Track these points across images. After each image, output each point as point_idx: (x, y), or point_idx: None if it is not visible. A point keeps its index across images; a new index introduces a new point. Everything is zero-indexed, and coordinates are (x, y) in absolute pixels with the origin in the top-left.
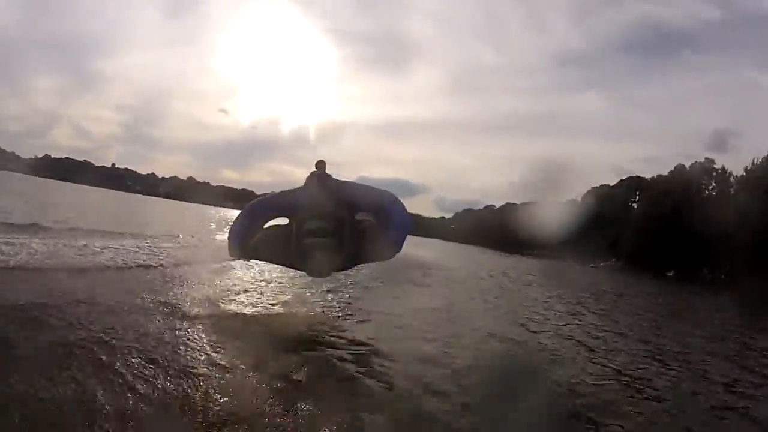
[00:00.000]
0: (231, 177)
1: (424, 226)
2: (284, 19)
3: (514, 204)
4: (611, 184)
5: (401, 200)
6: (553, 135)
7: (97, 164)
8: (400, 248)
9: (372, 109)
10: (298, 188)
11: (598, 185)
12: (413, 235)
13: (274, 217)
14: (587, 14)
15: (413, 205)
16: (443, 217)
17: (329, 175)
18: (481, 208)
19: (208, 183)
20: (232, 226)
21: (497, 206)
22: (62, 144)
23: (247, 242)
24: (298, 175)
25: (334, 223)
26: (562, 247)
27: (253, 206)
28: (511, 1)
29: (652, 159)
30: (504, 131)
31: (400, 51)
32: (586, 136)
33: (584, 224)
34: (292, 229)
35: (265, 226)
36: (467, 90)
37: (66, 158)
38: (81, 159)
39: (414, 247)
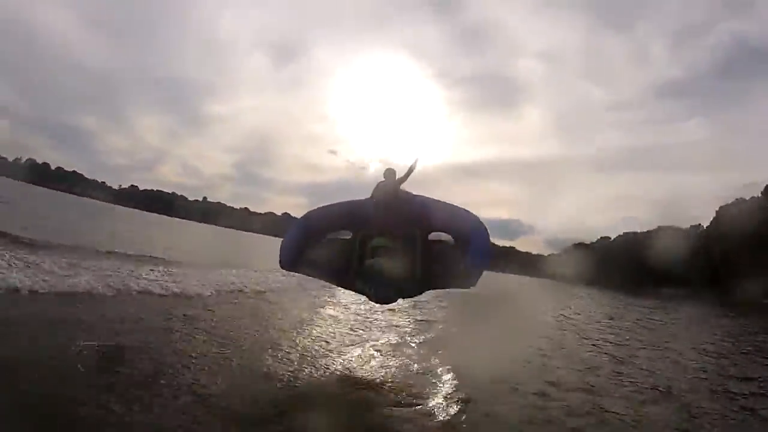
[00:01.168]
0: None
1: (526, 264)
2: (392, 65)
3: (635, 233)
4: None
5: (485, 225)
6: (659, 168)
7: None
8: (479, 277)
9: (482, 150)
10: (366, 199)
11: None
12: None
13: (336, 230)
14: (684, 40)
15: (524, 245)
16: (552, 254)
17: (400, 188)
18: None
19: None
20: (286, 235)
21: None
22: (170, 180)
23: (302, 254)
24: None
25: (404, 241)
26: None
27: (313, 215)
28: (613, 37)
29: (753, 185)
30: (612, 167)
31: (508, 92)
32: (689, 167)
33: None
34: (354, 244)
35: (324, 240)
36: (574, 128)
37: (154, 190)
38: (170, 191)
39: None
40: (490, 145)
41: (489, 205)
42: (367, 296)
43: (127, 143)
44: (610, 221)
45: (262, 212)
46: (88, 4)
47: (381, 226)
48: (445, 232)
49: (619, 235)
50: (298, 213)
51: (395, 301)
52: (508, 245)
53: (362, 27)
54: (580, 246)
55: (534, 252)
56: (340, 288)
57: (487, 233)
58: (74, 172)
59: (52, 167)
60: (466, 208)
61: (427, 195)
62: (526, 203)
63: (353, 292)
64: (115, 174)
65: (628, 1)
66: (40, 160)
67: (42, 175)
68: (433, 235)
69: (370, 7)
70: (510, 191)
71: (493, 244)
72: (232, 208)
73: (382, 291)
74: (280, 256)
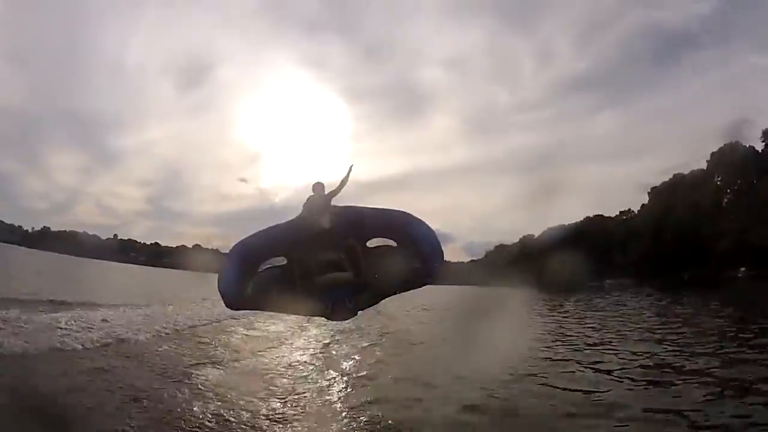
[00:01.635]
0: None
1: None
2: (297, 84)
3: (562, 225)
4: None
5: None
6: (575, 162)
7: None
8: (435, 271)
9: (392, 162)
10: (296, 218)
11: None
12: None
13: (271, 256)
14: (588, 34)
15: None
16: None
17: (332, 199)
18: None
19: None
20: (220, 273)
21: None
22: (86, 221)
23: (242, 291)
24: None
25: (346, 253)
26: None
27: (241, 246)
28: (517, 38)
29: (673, 168)
30: (525, 168)
31: (414, 102)
32: (606, 158)
33: None
34: (293, 268)
35: (259, 270)
36: (483, 132)
37: (66, 231)
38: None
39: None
40: (402, 157)
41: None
42: (324, 316)
43: (44, 184)
44: (531, 220)
45: (175, 246)
46: None
47: (317, 242)
48: (382, 236)
49: (545, 230)
50: (210, 244)
51: (354, 315)
52: None
53: (264, 45)
54: (500, 247)
55: (455, 261)
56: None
57: (424, 223)
58: None
59: None
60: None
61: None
62: (441, 212)
63: (305, 316)
64: (33, 217)
65: (531, 0)
66: None
67: None
68: (375, 242)
69: (271, 25)
70: (426, 201)
71: None
72: (144, 243)
73: (339, 307)
74: (222, 296)
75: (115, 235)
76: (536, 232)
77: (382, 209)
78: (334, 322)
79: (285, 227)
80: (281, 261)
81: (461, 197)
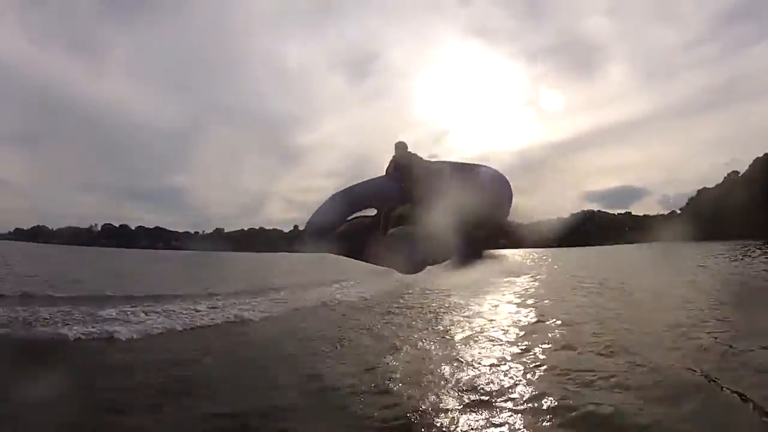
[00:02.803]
0: None
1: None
2: (467, 54)
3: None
4: None
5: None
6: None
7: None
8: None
9: (574, 121)
10: (384, 176)
11: None
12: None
13: (363, 208)
14: None
15: (640, 209)
16: (670, 213)
17: (414, 156)
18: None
19: None
20: (319, 208)
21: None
22: (275, 218)
23: (328, 233)
24: (523, 207)
25: (426, 209)
26: None
27: (339, 194)
28: None
29: None
30: (708, 107)
31: (584, 56)
32: None
33: None
34: (379, 219)
35: (351, 217)
36: (657, 77)
37: (255, 228)
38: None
39: None
40: (582, 115)
41: (597, 175)
42: (395, 267)
43: (225, 192)
44: (712, 167)
45: None
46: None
47: (400, 197)
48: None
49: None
50: None
51: (423, 269)
52: (622, 212)
53: (424, 22)
54: (694, 199)
55: (651, 214)
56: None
57: (502, 176)
58: (157, 227)
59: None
60: (486, 164)
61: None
62: (633, 166)
63: (377, 266)
64: (218, 223)
65: None
66: (133, 226)
67: (126, 237)
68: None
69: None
70: (613, 157)
71: (609, 213)
72: None
73: (411, 259)
74: (309, 226)
75: (296, 227)
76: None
77: (467, 165)
78: (407, 274)
79: (378, 182)
80: (371, 212)
81: (649, 149)
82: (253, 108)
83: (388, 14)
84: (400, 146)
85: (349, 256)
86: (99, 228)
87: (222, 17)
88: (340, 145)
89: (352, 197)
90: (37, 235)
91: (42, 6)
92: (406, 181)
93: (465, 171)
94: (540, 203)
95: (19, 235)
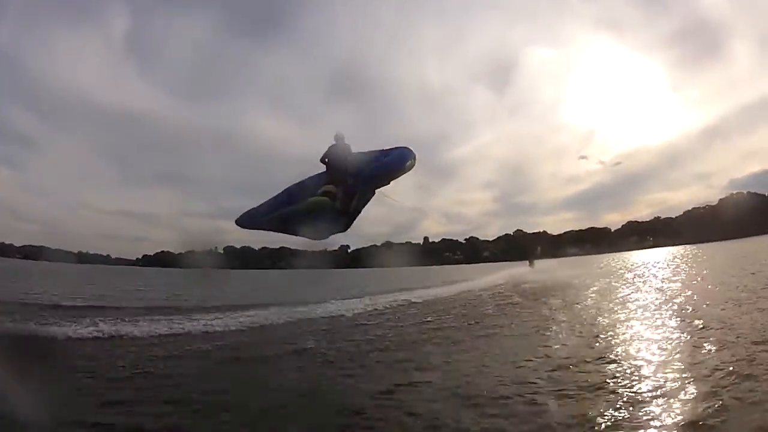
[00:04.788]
0: (612, 220)
1: None
2: (598, 50)
3: None
4: None
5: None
6: None
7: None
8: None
9: (711, 106)
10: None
11: None
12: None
13: (301, 198)
14: None
15: None
16: None
17: (343, 147)
18: None
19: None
20: (265, 203)
21: None
22: (435, 230)
23: (265, 216)
24: (672, 200)
25: (342, 190)
26: None
27: (292, 189)
28: None
29: None
30: None
31: (710, 40)
32: None
33: None
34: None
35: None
36: None
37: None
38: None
39: None
40: (716, 99)
41: (741, 160)
42: (307, 236)
43: (381, 211)
44: None
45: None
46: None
47: (329, 179)
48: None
49: None
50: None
51: (327, 237)
52: None
53: (553, 23)
54: None
55: None
56: (286, 234)
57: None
58: (281, 248)
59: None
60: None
61: None
62: None
63: (300, 237)
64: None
65: None
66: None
67: (248, 257)
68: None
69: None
70: (756, 141)
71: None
72: (487, 241)
73: (316, 227)
74: (244, 217)
75: (426, 239)
76: None
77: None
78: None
79: (309, 178)
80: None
81: None
82: (400, 132)
83: (515, 18)
84: (338, 136)
85: (274, 231)
86: (220, 250)
87: (360, 49)
88: (493, 156)
89: (292, 189)
90: (163, 260)
91: None
92: (332, 166)
93: (373, 154)
94: (687, 194)
95: (146, 261)
